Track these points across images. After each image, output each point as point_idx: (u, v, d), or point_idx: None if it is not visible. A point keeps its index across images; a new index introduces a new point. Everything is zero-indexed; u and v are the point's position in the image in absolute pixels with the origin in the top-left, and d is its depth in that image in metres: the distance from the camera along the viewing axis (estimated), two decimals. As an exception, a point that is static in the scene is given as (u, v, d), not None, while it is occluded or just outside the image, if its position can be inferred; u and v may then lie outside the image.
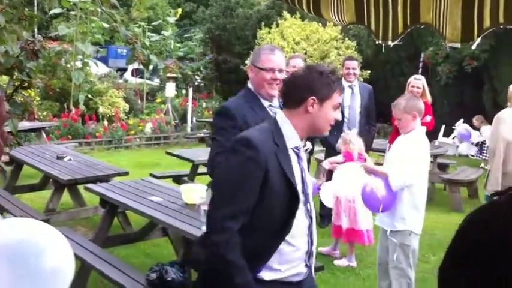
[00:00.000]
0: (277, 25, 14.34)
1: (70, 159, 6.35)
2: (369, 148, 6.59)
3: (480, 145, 10.46)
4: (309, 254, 2.37)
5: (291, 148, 2.30)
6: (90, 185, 5.15)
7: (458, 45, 1.98)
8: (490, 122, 5.56)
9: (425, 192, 3.92)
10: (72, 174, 5.69)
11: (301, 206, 2.29)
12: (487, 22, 1.88)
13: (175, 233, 4.55)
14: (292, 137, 2.30)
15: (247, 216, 2.17)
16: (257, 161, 2.16)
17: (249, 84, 3.11)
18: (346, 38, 13.75)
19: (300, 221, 2.30)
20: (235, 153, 2.22)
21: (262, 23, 14.97)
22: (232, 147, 2.26)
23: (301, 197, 2.29)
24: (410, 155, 3.78)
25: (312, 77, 2.28)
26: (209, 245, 2.22)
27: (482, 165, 9.86)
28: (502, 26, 1.96)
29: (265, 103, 3.05)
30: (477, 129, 10.70)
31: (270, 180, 2.17)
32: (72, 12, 11.66)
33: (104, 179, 5.62)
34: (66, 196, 6.38)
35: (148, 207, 4.29)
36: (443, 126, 10.98)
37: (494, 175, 5.17)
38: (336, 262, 5.28)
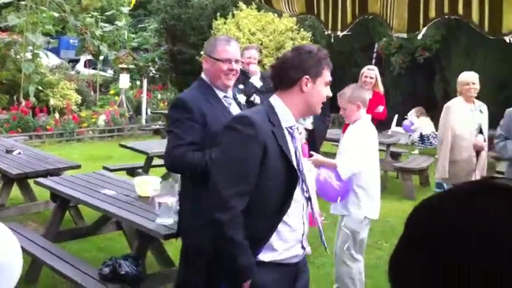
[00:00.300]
0: (233, 16, 14.30)
1: (20, 153, 6.17)
2: (323, 138, 6.66)
3: (420, 135, 10.86)
4: (305, 235, 2.43)
5: (286, 128, 2.35)
6: (40, 179, 5.01)
7: (405, 35, 2.02)
8: (440, 112, 5.65)
9: (376, 179, 4.01)
10: (22, 168, 5.55)
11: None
12: (432, 13, 1.92)
13: (129, 226, 4.49)
14: (286, 117, 2.35)
15: (249, 194, 2.20)
16: (256, 139, 2.20)
17: (203, 75, 3.07)
18: (302, 29, 13.82)
19: (296, 201, 2.34)
20: (234, 132, 2.24)
21: (218, 14, 14.89)
22: (231, 126, 2.28)
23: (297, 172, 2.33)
24: (357, 144, 3.87)
25: (302, 57, 2.33)
26: (215, 224, 2.22)
27: (416, 151, 10.28)
28: (446, 17, 2.00)
29: (220, 94, 3.02)
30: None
31: (268, 158, 2.21)
32: (22, 2, 11.33)
33: (55, 172, 5.49)
34: (15, 191, 6.22)
35: (101, 201, 4.22)
36: (396, 116, 11.22)
37: (441, 163, 5.28)
38: None
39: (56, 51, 19.04)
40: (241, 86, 5.70)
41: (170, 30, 16.69)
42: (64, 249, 4.42)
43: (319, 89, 2.35)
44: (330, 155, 7.35)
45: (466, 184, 0.75)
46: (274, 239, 2.29)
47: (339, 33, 2.22)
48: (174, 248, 4.61)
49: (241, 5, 14.44)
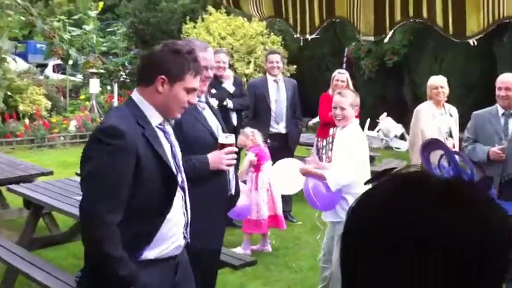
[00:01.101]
0: (203, 20, 14.30)
1: (-10, 159, 6.10)
2: (296, 142, 6.73)
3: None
4: (186, 225, 2.41)
5: (156, 126, 2.27)
6: (13, 186, 4.97)
7: (372, 38, 2.07)
8: (410, 115, 5.74)
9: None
10: (-7, 174, 5.48)
11: None
12: (397, 16, 1.98)
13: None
14: (154, 115, 2.26)
15: (125, 207, 2.13)
16: (127, 149, 2.11)
17: None
18: (272, 33, 13.91)
19: (176, 195, 2.30)
20: (103, 145, 2.12)
21: (187, 18, 14.87)
22: (98, 139, 2.15)
23: (174, 171, 2.28)
24: (348, 152, 3.76)
25: (164, 56, 2.22)
26: (90, 242, 2.17)
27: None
28: (411, 20, 2.07)
29: None
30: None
31: (142, 164, 2.14)
32: (-13, 6, 11.12)
33: (27, 179, 5.44)
34: (-13, 198, 6.13)
35: (75, 207, 4.18)
36: (368, 120, 11.35)
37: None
38: (245, 251, 5.30)
39: (23, 56, 18.74)
40: (213, 91, 5.72)
41: (139, 34, 16.61)
42: (39, 257, 4.38)
43: (176, 93, 2.23)
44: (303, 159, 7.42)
45: (393, 180, 0.82)
46: (158, 236, 2.24)
47: (308, 37, 2.25)
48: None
49: (211, 9, 14.44)
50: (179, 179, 2.32)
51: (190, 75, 2.25)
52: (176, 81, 2.22)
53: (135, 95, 2.28)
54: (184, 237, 2.41)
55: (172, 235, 2.31)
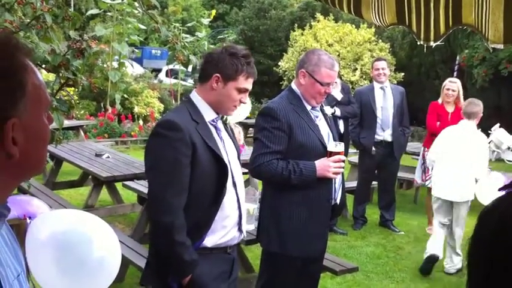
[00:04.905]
0: (311, 27, 14.37)
1: (108, 157, 6.47)
2: (402, 150, 6.57)
3: None
4: (240, 218, 2.50)
5: (209, 122, 2.44)
6: (128, 182, 5.24)
7: (501, 46, 2.00)
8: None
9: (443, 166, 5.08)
10: (111, 171, 5.76)
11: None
12: (529, 23, 1.89)
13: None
14: (207, 112, 2.44)
15: (187, 194, 2.30)
16: (183, 140, 2.29)
17: (294, 87, 3.08)
18: (380, 40, 13.70)
19: (228, 189, 2.42)
20: (162, 138, 2.32)
21: (296, 25, 15.01)
22: (158, 133, 2.35)
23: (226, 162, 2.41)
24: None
25: (222, 56, 2.40)
26: (159, 226, 2.32)
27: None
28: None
29: (308, 106, 3.05)
30: None
31: (197, 154, 2.30)
32: (108, 14, 11.90)
33: (142, 176, 5.67)
34: (104, 193, 6.50)
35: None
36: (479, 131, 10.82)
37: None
38: None
39: (139, 61, 19.80)
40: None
41: (248, 41, 17.00)
42: (150, 250, 4.58)
43: (230, 92, 2.39)
44: (409, 168, 7.24)
45: None
46: (214, 225, 2.38)
47: (432, 44, 2.21)
48: (253, 255, 4.71)
49: (319, 16, 14.49)
50: (232, 174, 2.45)
51: (243, 77, 2.40)
52: (229, 81, 2.39)
53: (193, 94, 2.49)
54: (239, 229, 2.52)
55: (227, 225, 2.44)
